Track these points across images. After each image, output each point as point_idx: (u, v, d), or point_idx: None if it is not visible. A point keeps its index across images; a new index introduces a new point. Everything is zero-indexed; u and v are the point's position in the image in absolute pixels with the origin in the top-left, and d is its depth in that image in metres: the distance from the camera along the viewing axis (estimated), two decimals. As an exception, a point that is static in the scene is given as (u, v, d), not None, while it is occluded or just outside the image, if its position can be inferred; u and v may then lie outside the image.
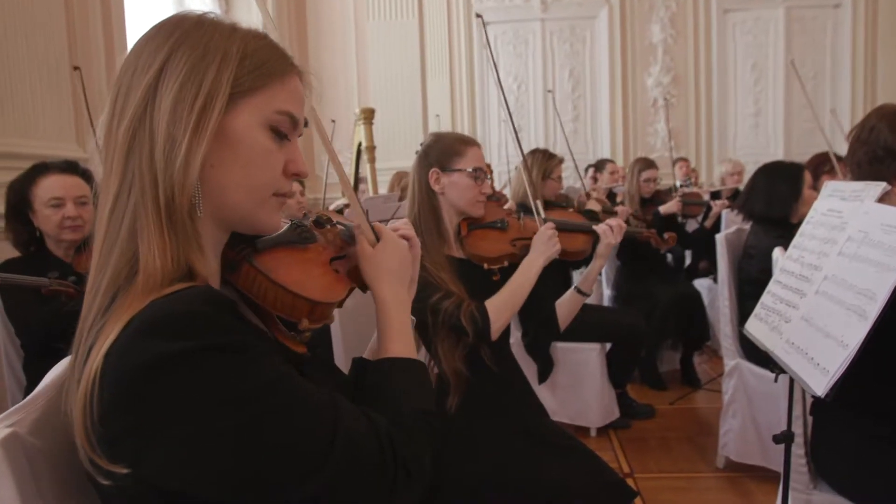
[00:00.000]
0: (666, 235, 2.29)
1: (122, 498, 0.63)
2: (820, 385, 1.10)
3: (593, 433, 3.14)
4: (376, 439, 0.71)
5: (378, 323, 0.93)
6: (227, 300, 0.66)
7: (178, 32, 0.72)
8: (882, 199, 1.53)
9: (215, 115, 0.70)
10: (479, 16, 2.42)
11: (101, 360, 0.60)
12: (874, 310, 1.08)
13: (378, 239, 0.96)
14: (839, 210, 1.37)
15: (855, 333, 1.09)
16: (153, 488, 0.62)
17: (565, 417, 3.10)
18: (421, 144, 1.82)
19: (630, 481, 2.66)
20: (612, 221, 1.95)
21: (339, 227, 1.00)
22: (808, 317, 1.27)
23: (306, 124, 0.82)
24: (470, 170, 1.71)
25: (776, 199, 2.63)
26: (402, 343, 0.90)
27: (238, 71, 0.72)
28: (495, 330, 1.61)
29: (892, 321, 1.37)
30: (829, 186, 1.47)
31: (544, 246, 1.75)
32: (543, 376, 3.03)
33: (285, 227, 0.88)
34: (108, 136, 0.71)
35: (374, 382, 0.85)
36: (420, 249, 1.06)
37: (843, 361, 1.09)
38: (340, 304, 0.91)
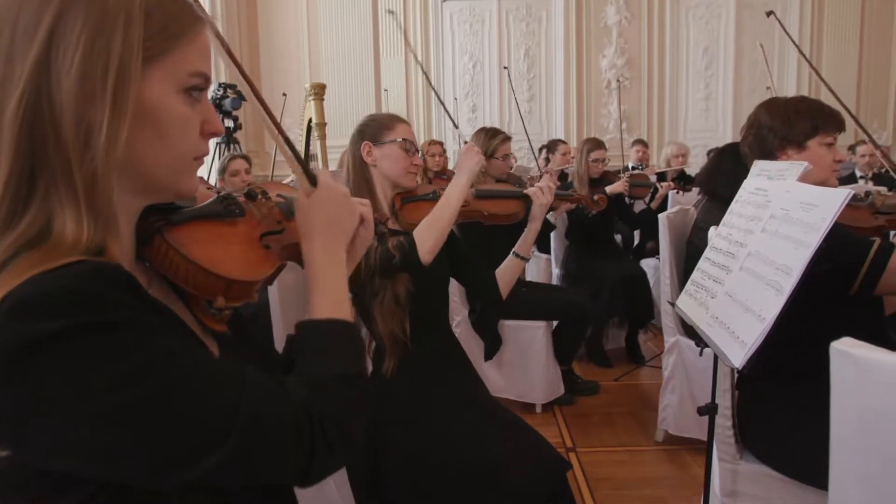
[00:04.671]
0: (596, 197, 2.35)
1: (3, 481, 0.60)
2: (737, 357, 1.14)
3: (539, 409, 3.19)
4: (289, 411, 0.67)
5: (306, 280, 0.86)
6: (118, 274, 0.61)
7: None
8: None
9: (132, 88, 0.63)
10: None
11: None
12: (789, 284, 1.11)
13: (314, 186, 0.88)
14: (765, 189, 1.41)
15: (771, 307, 1.13)
16: (36, 470, 0.59)
17: (512, 394, 3.14)
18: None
19: (573, 456, 2.72)
20: (541, 183, 2.03)
21: (279, 199, 0.94)
22: (732, 292, 1.31)
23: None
24: (400, 140, 1.76)
25: (741, 181, 2.68)
26: (330, 303, 0.84)
27: (146, 32, 0.65)
28: (425, 251, 1.63)
29: (812, 296, 1.44)
30: (758, 166, 1.51)
31: (465, 158, 1.81)
32: (490, 353, 3.06)
33: (211, 199, 0.84)
34: None
35: (297, 347, 0.80)
36: (371, 231, 1.02)
37: (759, 334, 1.12)
38: (269, 282, 0.87)
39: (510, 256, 2.03)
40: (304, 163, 0.89)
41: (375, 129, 1.78)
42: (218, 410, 0.62)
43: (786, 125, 1.76)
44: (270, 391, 0.68)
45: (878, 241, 1.48)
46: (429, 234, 1.65)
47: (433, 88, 2.32)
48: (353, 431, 0.74)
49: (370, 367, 1.73)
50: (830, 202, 1.12)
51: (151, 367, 0.58)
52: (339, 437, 0.71)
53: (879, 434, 0.75)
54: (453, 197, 1.74)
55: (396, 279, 1.65)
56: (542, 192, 2.00)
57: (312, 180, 0.88)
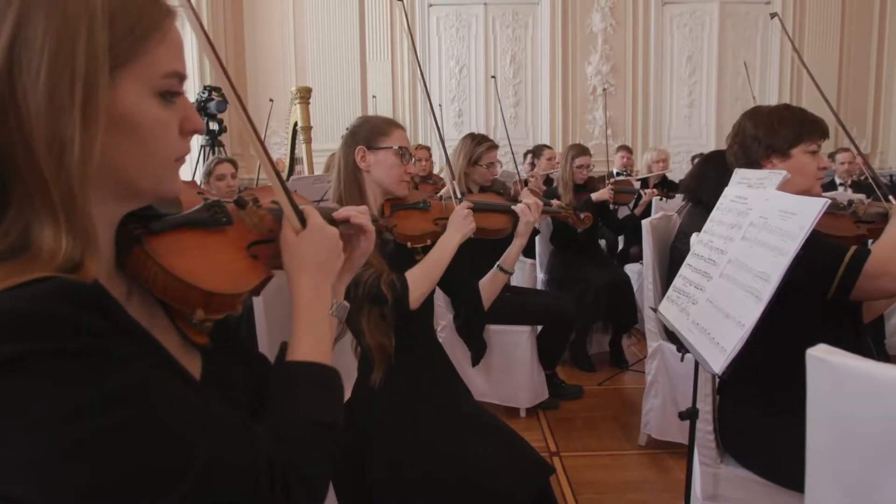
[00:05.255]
0: (582, 215, 2.35)
1: None
2: (717, 363, 1.15)
3: (523, 413, 3.20)
4: (251, 459, 0.65)
5: (292, 318, 0.85)
6: (86, 295, 0.57)
7: None
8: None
9: (102, 98, 0.60)
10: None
11: None
12: (768, 291, 1.13)
13: (304, 225, 0.87)
14: (745, 197, 1.44)
15: (751, 314, 1.15)
16: None
17: (496, 399, 3.15)
18: (347, 128, 1.82)
19: (556, 460, 2.74)
20: (528, 200, 2.01)
21: (274, 205, 0.91)
22: (713, 298, 1.33)
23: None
24: (396, 147, 1.72)
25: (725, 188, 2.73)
26: (312, 344, 0.83)
27: (111, 38, 0.61)
28: (414, 299, 1.63)
29: (792, 304, 1.46)
30: (738, 174, 1.53)
31: (460, 224, 1.78)
32: (477, 359, 3.06)
33: (198, 206, 0.80)
34: None
35: (274, 386, 0.79)
36: (372, 243, 1.02)
37: (738, 340, 1.14)
38: (255, 293, 0.85)
39: (494, 269, 2.02)
40: (293, 201, 0.88)
41: (370, 133, 1.74)
42: (175, 454, 0.59)
43: (770, 134, 1.77)
44: (233, 439, 0.65)
45: (854, 247, 1.50)
46: (421, 285, 1.65)
47: (429, 97, 2.28)
48: (318, 482, 0.73)
49: (355, 375, 1.74)
50: (808, 211, 1.14)
51: (104, 402, 0.55)
52: (301, 489, 0.70)
53: (854, 439, 0.76)
54: (446, 251, 1.73)
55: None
56: (528, 210, 1.98)
57: (302, 220, 0.87)
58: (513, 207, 2.00)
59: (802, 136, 1.76)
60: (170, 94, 0.68)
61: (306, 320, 0.84)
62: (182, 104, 0.71)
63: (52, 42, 0.58)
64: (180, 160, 0.73)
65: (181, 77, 0.69)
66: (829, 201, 1.15)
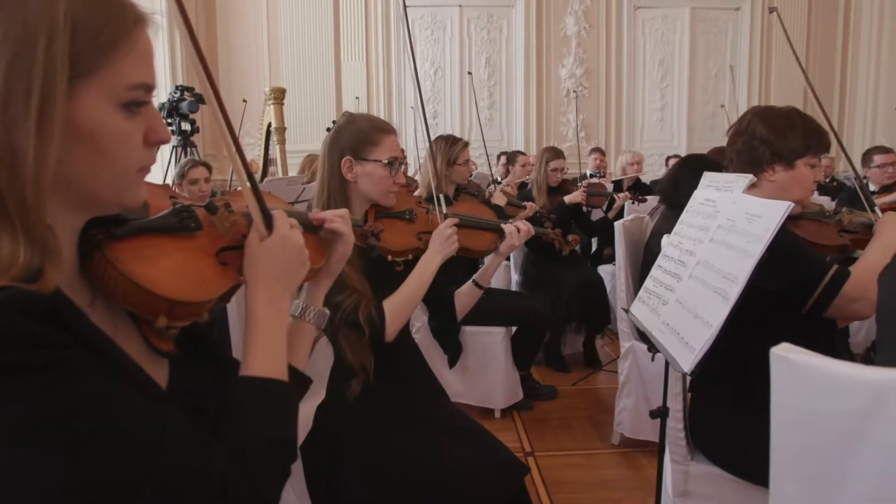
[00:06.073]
0: (570, 238, 2.36)
1: None
2: (686, 362, 1.18)
3: (497, 414, 3.22)
4: (205, 477, 0.65)
5: (245, 328, 0.82)
6: (42, 306, 0.56)
7: None
8: (753, 187, 1.66)
9: (58, 109, 0.58)
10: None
11: None
12: (735, 292, 1.16)
13: (270, 231, 0.84)
14: (714, 199, 1.47)
15: (718, 314, 1.18)
16: None
17: (471, 400, 3.16)
18: (334, 122, 1.74)
19: (531, 460, 2.76)
20: (520, 224, 1.94)
21: (248, 210, 0.88)
22: (682, 299, 1.36)
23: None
24: (385, 161, 1.63)
25: None
26: (267, 358, 0.80)
27: (73, 46, 0.59)
28: (391, 332, 1.60)
29: (766, 308, 1.49)
30: (707, 177, 1.57)
31: (441, 245, 1.72)
32: (453, 361, 3.08)
33: (165, 211, 0.79)
34: None
35: (228, 402, 0.77)
36: (350, 247, 0.99)
37: (707, 340, 1.17)
38: (225, 300, 0.84)
39: (469, 283, 1.97)
40: (263, 206, 0.85)
41: (358, 142, 1.64)
42: (127, 471, 0.58)
43: (780, 140, 1.74)
44: (190, 454, 0.65)
45: (835, 266, 1.54)
46: (399, 316, 1.61)
47: (422, 103, 2.22)
48: (274, 498, 0.73)
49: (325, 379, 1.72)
50: (772, 214, 1.17)
51: (66, 416, 0.54)
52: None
53: (815, 434, 0.79)
54: (425, 275, 1.68)
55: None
56: (517, 233, 1.91)
57: (269, 224, 0.84)
58: (502, 226, 1.94)
59: (810, 147, 1.74)
60: (135, 104, 0.66)
61: (259, 333, 0.81)
62: (148, 114, 0.69)
63: (9, 50, 0.57)
64: (144, 170, 0.71)
65: (148, 88, 0.67)
66: (793, 204, 1.19)
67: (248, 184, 0.83)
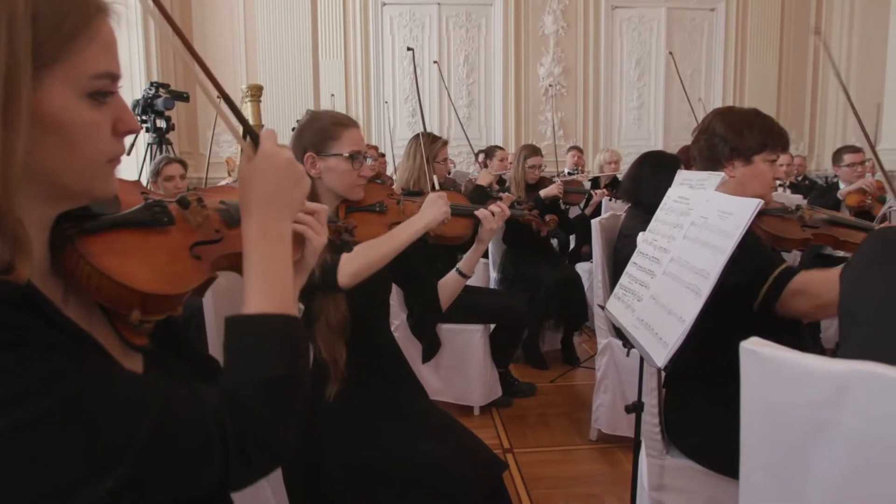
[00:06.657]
0: (547, 217, 2.38)
1: None
2: (660, 357, 1.20)
3: (476, 412, 3.23)
4: (199, 422, 0.64)
5: (243, 267, 0.78)
6: (11, 292, 0.57)
7: None
8: (724, 185, 1.69)
9: (24, 101, 0.58)
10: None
11: None
12: (707, 287, 1.18)
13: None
14: (687, 197, 1.49)
15: (691, 309, 1.20)
16: None
17: (450, 397, 3.17)
18: (298, 121, 1.75)
19: (510, 456, 2.78)
20: (493, 207, 1.96)
21: (221, 206, 0.88)
22: (656, 295, 1.38)
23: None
24: (346, 154, 1.63)
25: (663, 188, 2.79)
26: (262, 292, 0.76)
27: (35, 36, 0.59)
28: (343, 275, 1.53)
29: (732, 303, 1.52)
30: (681, 175, 1.59)
31: (431, 206, 1.71)
32: (428, 356, 3.08)
33: (138, 206, 0.78)
34: None
35: (225, 347, 0.75)
36: (325, 239, 0.94)
37: (680, 335, 1.19)
38: (199, 293, 0.83)
39: (453, 272, 1.99)
40: (246, 123, 0.81)
41: (318, 137, 1.65)
42: (116, 426, 0.59)
43: (737, 137, 1.82)
44: (179, 402, 0.65)
45: (785, 264, 1.59)
46: (352, 262, 1.55)
47: (420, 103, 2.24)
48: (278, 439, 0.71)
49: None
50: (743, 211, 1.20)
51: (42, 385, 0.55)
52: (259, 449, 0.69)
53: (782, 425, 0.81)
54: (401, 237, 1.64)
55: (334, 303, 1.57)
56: (492, 217, 1.92)
57: (256, 143, 0.80)
58: (476, 213, 1.96)
59: (766, 145, 1.82)
60: (101, 94, 0.66)
61: (257, 268, 0.77)
62: (115, 104, 0.68)
63: None
64: (114, 161, 0.70)
65: (114, 77, 0.67)
66: (762, 202, 1.21)
67: (225, 106, 0.82)
